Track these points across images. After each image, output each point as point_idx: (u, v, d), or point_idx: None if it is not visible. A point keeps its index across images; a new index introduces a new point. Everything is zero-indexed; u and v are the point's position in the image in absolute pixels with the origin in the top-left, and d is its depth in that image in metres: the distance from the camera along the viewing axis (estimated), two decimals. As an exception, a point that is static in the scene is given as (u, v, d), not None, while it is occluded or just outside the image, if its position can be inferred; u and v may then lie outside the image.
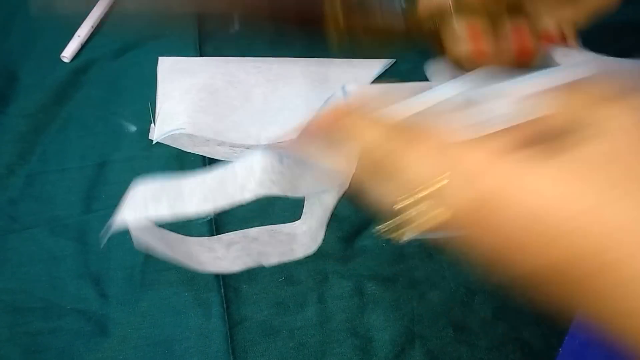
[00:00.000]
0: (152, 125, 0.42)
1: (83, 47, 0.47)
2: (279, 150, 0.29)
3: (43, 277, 0.37)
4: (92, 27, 0.47)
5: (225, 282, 0.37)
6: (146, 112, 0.43)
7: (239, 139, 0.41)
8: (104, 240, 0.37)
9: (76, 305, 0.36)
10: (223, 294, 0.36)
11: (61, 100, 0.44)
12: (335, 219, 0.38)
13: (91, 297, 0.36)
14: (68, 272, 0.37)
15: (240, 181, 0.29)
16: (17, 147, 0.42)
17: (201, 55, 0.46)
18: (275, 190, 0.29)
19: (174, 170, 0.40)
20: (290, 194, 0.29)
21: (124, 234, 0.38)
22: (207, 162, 0.41)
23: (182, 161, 0.41)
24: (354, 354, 0.35)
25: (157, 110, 0.42)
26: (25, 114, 0.43)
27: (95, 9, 0.48)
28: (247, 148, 0.41)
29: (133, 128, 0.43)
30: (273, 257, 0.36)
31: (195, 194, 0.28)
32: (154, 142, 0.41)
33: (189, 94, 0.42)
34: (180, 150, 0.41)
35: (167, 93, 0.43)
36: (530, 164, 0.20)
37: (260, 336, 0.35)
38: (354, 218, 0.39)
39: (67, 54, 0.46)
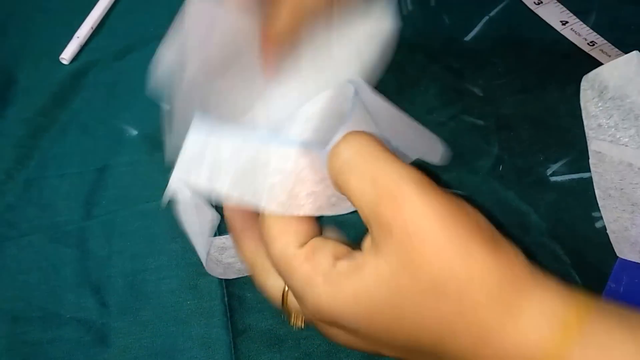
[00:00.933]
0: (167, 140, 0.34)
1: (82, 48, 0.46)
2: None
3: (42, 286, 0.37)
4: (92, 27, 0.46)
5: (229, 291, 0.36)
6: (148, 116, 0.42)
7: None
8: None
9: (76, 314, 0.36)
10: (226, 303, 0.36)
11: (61, 103, 0.44)
12: (340, 225, 0.38)
13: (91, 306, 0.36)
14: (67, 281, 0.37)
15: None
16: (16, 152, 0.41)
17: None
18: None
19: None
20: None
21: (125, 241, 0.38)
22: None
23: None
24: (361, 364, 0.34)
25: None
26: (24, 118, 0.43)
27: (95, 8, 0.47)
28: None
29: (134, 132, 0.42)
30: None
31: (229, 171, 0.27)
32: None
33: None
34: None
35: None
36: (337, 283, 0.23)
37: (265, 346, 0.35)
38: (359, 224, 0.38)
39: (66, 55, 0.45)
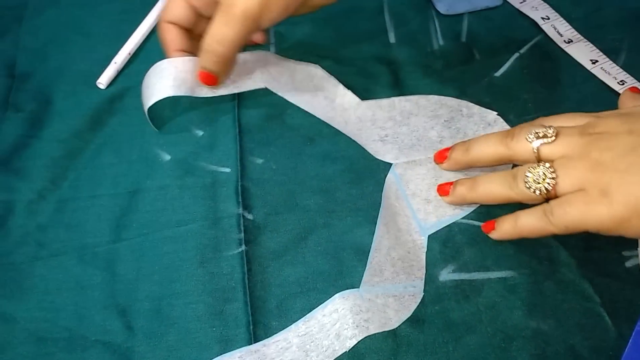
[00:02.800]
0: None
1: (119, 73, 0.47)
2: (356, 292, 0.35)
3: (69, 307, 0.36)
4: (130, 53, 0.47)
5: (255, 319, 0.36)
6: (181, 142, 0.43)
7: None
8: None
9: (101, 337, 0.35)
10: (252, 331, 0.35)
11: (96, 126, 0.44)
12: (366, 254, 0.38)
13: (117, 329, 0.36)
14: (94, 302, 0.36)
15: (334, 331, 0.33)
16: (50, 172, 0.42)
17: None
18: (371, 329, 0.34)
19: (206, 201, 0.40)
20: (383, 325, 0.34)
21: (153, 265, 0.38)
22: (241, 194, 0.40)
23: (215, 191, 0.41)
24: (387, 399, 0.33)
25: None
26: (59, 139, 0.43)
27: (133, 35, 0.48)
28: None
29: (167, 157, 0.43)
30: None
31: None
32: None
33: None
34: (214, 179, 0.41)
35: None
36: None
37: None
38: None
39: (103, 80, 0.46)
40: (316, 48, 0.48)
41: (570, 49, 0.47)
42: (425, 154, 0.42)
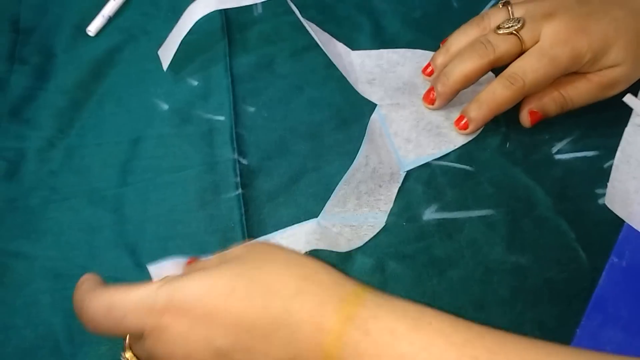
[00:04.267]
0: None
1: (113, 24, 0.48)
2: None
3: (82, 246, 0.39)
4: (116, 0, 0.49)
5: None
6: (177, 92, 0.45)
7: None
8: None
9: (113, 273, 0.37)
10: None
11: (97, 78, 0.46)
12: (357, 197, 0.40)
13: (127, 266, 0.38)
14: (105, 242, 0.39)
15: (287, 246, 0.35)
16: (57, 122, 0.44)
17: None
18: (320, 246, 0.38)
19: (203, 147, 0.42)
20: (333, 246, 0.38)
21: (158, 207, 0.40)
22: (235, 141, 0.42)
23: (211, 138, 0.42)
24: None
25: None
26: (64, 90, 0.45)
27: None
28: None
29: (165, 106, 0.44)
30: None
31: None
32: None
33: None
34: (210, 127, 0.43)
35: None
36: None
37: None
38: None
39: (92, 28, 0.48)
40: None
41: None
42: (409, 99, 0.44)
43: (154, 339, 0.27)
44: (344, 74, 0.44)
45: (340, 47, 0.46)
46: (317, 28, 0.45)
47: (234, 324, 0.26)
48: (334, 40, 0.46)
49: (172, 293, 0.27)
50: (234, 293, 0.26)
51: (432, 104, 0.42)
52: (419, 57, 0.46)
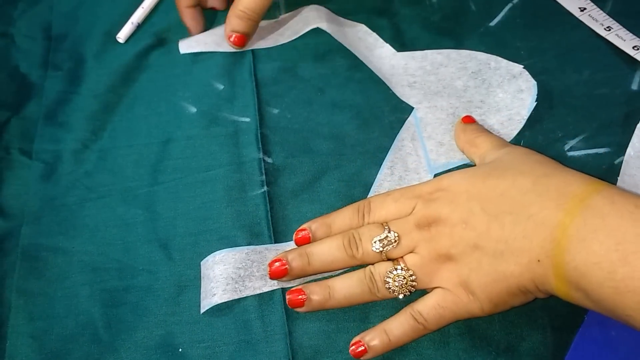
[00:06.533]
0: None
1: (143, 31, 0.50)
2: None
3: (117, 242, 0.41)
4: (142, 7, 0.51)
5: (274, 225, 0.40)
6: (204, 95, 0.46)
7: None
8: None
9: (147, 266, 0.39)
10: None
11: (126, 82, 0.48)
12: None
13: (160, 259, 0.40)
14: (139, 237, 0.41)
15: None
16: (90, 124, 0.46)
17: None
18: None
19: (230, 147, 0.44)
20: None
21: (188, 205, 0.42)
22: (260, 141, 0.44)
23: (237, 139, 0.44)
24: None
25: None
26: (96, 94, 0.47)
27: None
28: None
29: (193, 109, 0.46)
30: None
31: None
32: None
33: None
34: (236, 128, 0.44)
35: None
36: None
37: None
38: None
39: (122, 35, 0.50)
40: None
41: (560, -3, 0.49)
42: (447, 101, 0.45)
43: (423, 206, 0.36)
44: (380, 76, 0.46)
45: (387, 49, 0.48)
46: (368, 30, 0.48)
47: (487, 195, 0.34)
48: (381, 40, 0.48)
49: (438, 181, 0.37)
50: (491, 174, 0.35)
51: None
52: (464, 57, 0.47)
